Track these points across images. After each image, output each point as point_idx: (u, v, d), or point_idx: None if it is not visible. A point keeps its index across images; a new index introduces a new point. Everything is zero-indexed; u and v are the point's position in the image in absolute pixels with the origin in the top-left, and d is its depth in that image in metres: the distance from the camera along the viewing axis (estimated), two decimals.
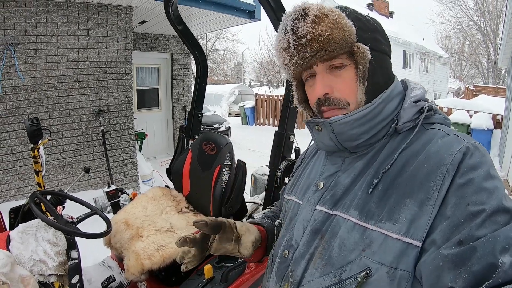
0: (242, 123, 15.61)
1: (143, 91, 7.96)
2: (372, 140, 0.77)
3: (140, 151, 6.64)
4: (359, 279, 0.65)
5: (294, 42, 0.73)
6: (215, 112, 14.08)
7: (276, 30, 1.78)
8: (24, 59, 4.20)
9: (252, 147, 10.50)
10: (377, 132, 0.76)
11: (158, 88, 8.19)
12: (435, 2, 23.34)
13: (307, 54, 0.72)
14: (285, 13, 0.76)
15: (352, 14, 0.77)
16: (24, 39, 4.16)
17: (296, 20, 0.72)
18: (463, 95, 20.93)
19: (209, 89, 21.30)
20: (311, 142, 1.02)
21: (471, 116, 8.24)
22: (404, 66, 22.34)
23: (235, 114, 19.24)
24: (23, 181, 4.34)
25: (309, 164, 0.97)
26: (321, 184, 0.83)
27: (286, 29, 0.75)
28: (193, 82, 2.73)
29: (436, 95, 25.52)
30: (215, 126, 11.56)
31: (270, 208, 1.27)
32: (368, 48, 0.73)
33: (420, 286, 0.61)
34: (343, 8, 0.77)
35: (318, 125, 0.80)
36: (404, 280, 0.62)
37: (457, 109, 8.76)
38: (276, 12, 1.66)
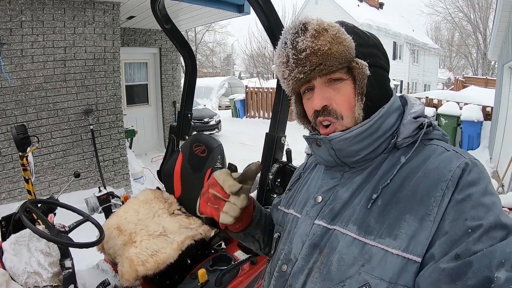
0: (233, 116, 15.56)
1: (132, 87, 7.88)
2: (371, 155, 0.77)
3: (131, 148, 6.60)
4: None
5: (294, 56, 0.73)
6: (205, 105, 14.01)
7: (264, 27, 1.78)
8: (10, 60, 4.12)
9: (243, 140, 10.50)
10: (376, 148, 0.76)
11: (147, 84, 8.12)
12: None
13: (306, 68, 0.73)
14: (284, 28, 0.77)
15: (351, 29, 0.77)
16: (9, 39, 4.07)
17: (296, 34, 0.73)
18: (453, 86, 21.12)
19: (199, 82, 21.09)
20: (309, 156, 1.04)
21: (461, 108, 8.29)
22: (394, 57, 22.46)
23: (225, 107, 19.18)
24: (13, 183, 4.29)
25: (307, 178, 0.97)
26: (320, 198, 0.82)
27: (286, 43, 0.75)
28: (183, 76, 2.71)
29: (426, 86, 25.78)
30: (206, 120, 11.51)
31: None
32: (366, 64, 0.74)
33: None
34: (342, 23, 0.78)
35: (317, 141, 0.80)
36: None
37: (447, 101, 8.81)
38: (264, 9, 1.66)
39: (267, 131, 2.01)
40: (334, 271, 0.70)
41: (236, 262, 1.88)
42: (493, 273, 0.52)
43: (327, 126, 0.78)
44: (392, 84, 16.94)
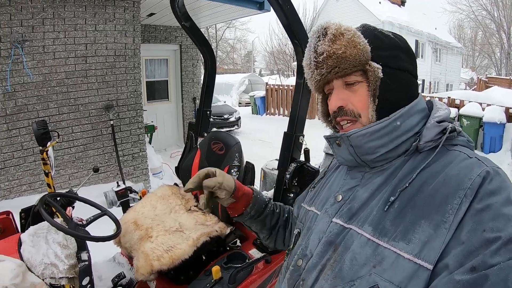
0: (252, 113, 15.59)
1: (152, 83, 8.00)
2: (390, 154, 0.77)
3: (150, 144, 6.68)
4: None
5: (314, 59, 0.79)
6: (225, 102, 14.09)
7: (283, 26, 1.79)
8: (32, 56, 4.21)
9: (262, 137, 10.50)
10: (396, 147, 0.77)
11: (167, 80, 8.22)
12: None
13: (323, 70, 0.78)
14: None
15: (371, 32, 0.80)
16: (31, 36, 4.17)
17: (318, 39, 0.78)
18: (475, 86, 20.61)
19: (219, 78, 21.29)
20: (328, 155, 1.05)
21: (483, 109, 8.07)
22: (416, 56, 22.00)
23: (246, 104, 19.23)
24: (34, 176, 4.39)
25: (331, 177, 0.98)
26: (340, 197, 0.84)
27: (310, 46, 0.81)
28: (204, 72, 2.73)
29: (448, 86, 25.22)
30: (225, 116, 11.56)
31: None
32: (380, 67, 0.76)
33: None
34: (365, 27, 0.82)
35: (337, 140, 0.82)
36: None
37: (469, 102, 8.59)
38: (283, 8, 1.64)
39: (285, 130, 1.98)
40: (346, 270, 0.70)
41: (251, 260, 1.87)
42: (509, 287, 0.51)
43: (345, 126, 0.82)
44: None
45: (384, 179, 0.77)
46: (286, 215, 1.17)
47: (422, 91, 20.16)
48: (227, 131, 11.72)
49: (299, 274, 0.82)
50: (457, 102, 8.97)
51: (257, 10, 5.94)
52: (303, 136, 1.98)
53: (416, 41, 21.87)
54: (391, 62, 0.77)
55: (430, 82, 23.10)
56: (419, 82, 19.44)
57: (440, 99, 9.42)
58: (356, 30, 0.78)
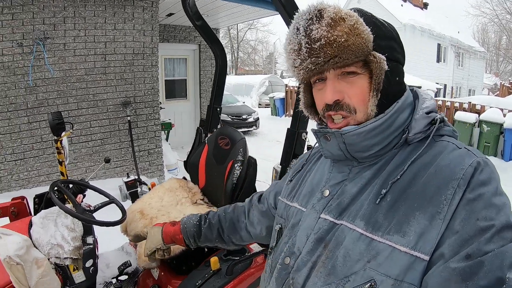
0: (272, 114, 15.58)
1: (171, 82, 8.15)
2: (382, 151, 0.75)
3: (167, 141, 6.80)
4: None
5: (307, 45, 0.69)
6: (244, 102, 14.10)
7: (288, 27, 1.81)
8: (53, 53, 4.40)
9: (280, 139, 10.47)
10: (388, 143, 0.74)
11: (186, 79, 8.35)
12: None
13: (319, 59, 0.68)
14: (297, 11, 0.72)
15: (369, 19, 0.73)
16: (53, 34, 4.35)
17: (310, 21, 0.68)
18: (498, 92, 20.05)
19: (240, 79, 21.37)
20: (312, 147, 1.04)
21: (504, 115, 7.85)
22: (438, 60, 21.68)
23: (265, 105, 19.20)
24: (52, 167, 4.57)
25: (311, 170, 0.95)
26: (327, 192, 0.81)
27: (298, 29, 0.70)
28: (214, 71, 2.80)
29: (471, 91, 24.60)
30: (244, 116, 11.56)
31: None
32: (385, 58, 0.70)
33: None
34: (360, 12, 0.73)
35: (326, 134, 0.78)
36: None
37: (490, 107, 8.39)
38: (286, 8, 1.67)
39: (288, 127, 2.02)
40: (339, 266, 0.69)
41: (250, 254, 1.91)
42: (504, 273, 0.52)
43: (337, 120, 0.76)
44: (434, 87, 16.32)
45: (374, 173, 0.75)
46: (231, 216, 1.23)
47: (444, 96, 19.76)
48: (245, 131, 11.76)
49: (288, 273, 0.80)
50: (478, 107, 8.77)
51: (276, 11, 5.96)
52: (306, 133, 2.01)
53: (438, 45, 21.48)
54: (389, 53, 0.72)
55: (452, 87, 22.61)
56: (440, 87, 19.05)
57: (461, 104, 9.25)
58: (358, 17, 0.69)
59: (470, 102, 9.08)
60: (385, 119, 0.72)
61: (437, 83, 18.20)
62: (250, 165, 2.18)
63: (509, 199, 0.63)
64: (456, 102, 9.65)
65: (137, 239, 1.33)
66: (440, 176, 0.65)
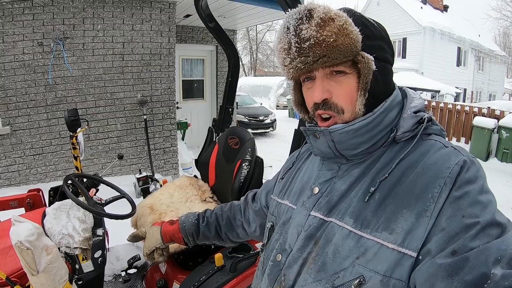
0: (289, 116, 15.58)
1: (188, 82, 8.25)
2: (371, 149, 0.76)
3: (183, 140, 6.88)
4: (353, 287, 0.66)
5: (296, 45, 0.70)
6: (261, 104, 14.12)
7: None
8: (72, 52, 4.55)
9: None
10: (377, 141, 0.75)
11: (203, 80, 8.44)
12: None
13: (308, 59, 0.69)
14: (288, 11, 0.73)
15: (359, 19, 0.74)
16: (72, 34, 4.50)
17: (300, 21, 0.69)
18: None
19: (258, 81, 21.36)
20: (302, 145, 1.06)
21: None
22: (458, 64, 21.22)
23: (283, 106, 19.20)
24: (69, 163, 4.73)
25: (301, 167, 0.97)
26: (316, 190, 0.82)
27: (288, 28, 0.71)
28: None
29: (491, 96, 23.96)
30: (261, 118, 11.59)
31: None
32: (373, 59, 0.71)
33: None
34: (350, 12, 0.74)
35: (315, 133, 0.79)
36: None
37: (510, 113, 8.19)
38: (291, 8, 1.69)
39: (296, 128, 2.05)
40: (329, 263, 0.71)
41: (254, 252, 1.93)
42: (489, 269, 0.54)
43: (326, 119, 0.77)
44: (453, 91, 15.91)
45: (363, 171, 0.76)
46: (227, 214, 1.24)
47: (463, 101, 19.36)
48: (262, 132, 11.76)
49: (280, 269, 0.81)
50: (497, 112, 8.57)
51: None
52: None
53: (458, 48, 21.04)
54: (378, 53, 0.73)
55: (472, 91, 22.11)
56: (460, 91, 18.66)
57: (480, 109, 9.06)
58: (347, 17, 0.70)
59: (489, 107, 8.89)
60: (373, 118, 0.73)
61: (457, 88, 17.82)
62: (257, 165, 2.22)
63: (495, 197, 0.64)
64: (475, 107, 9.46)
65: (135, 239, 1.32)
66: (427, 174, 0.66)
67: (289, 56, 0.72)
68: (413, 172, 0.68)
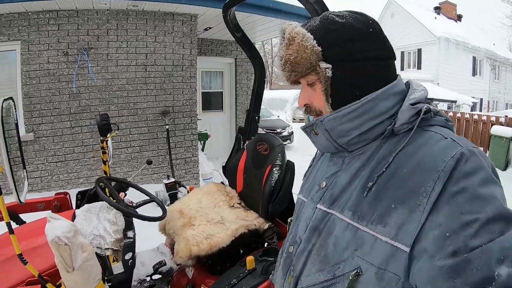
0: None
1: (208, 94, 8.33)
2: (364, 136, 0.77)
3: (203, 151, 6.91)
4: (351, 277, 0.68)
5: (279, 61, 0.82)
6: (278, 116, 14.16)
7: None
8: (96, 62, 4.65)
9: (313, 152, 10.37)
10: (370, 129, 0.76)
11: (222, 92, 8.51)
12: (505, 4, 21.24)
13: (286, 73, 0.82)
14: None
15: (323, 27, 0.76)
16: (96, 44, 4.61)
17: (281, 40, 0.82)
18: None
19: (274, 94, 21.45)
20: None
21: None
22: (474, 73, 20.95)
23: (300, 119, 19.17)
24: (91, 171, 4.78)
25: (317, 165, 1.00)
26: (324, 184, 0.85)
27: (280, 44, 0.83)
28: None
29: (508, 105, 23.44)
30: (278, 130, 11.58)
31: None
32: (329, 66, 0.75)
33: None
34: (321, 19, 0.78)
35: (314, 128, 0.83)
36: (393, 282, 0.63)
37: None
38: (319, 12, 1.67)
39: None
40: (331, 254, 0.74)
41: None
42: (493, 270, 0.51)
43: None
44: (470, 101, 15.61)
45: (362, 163, 0.77)
46: None
47: (480, 110, 18.93)
48: None
49: (291, 260, 0.85)
50: None
51: None
52: None
53: (474, 58, 20.77)
54: (345, 56, 0.74)
55: (488, 101, 21.69)
56: (476, 100, 18.33)
57: (497, 118, 8.84)
58: (305, 33, 0.76)
59: (507, 116, 8.67)
60: (359, 105, 0.74)
61: (473, 97, 17.56)
62: (288, 169, 2.18)
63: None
64: (492, 116, 9.23)
65: None
66: (422, 168, 0.64)
67: (280, 69, 0.85)
68: (408, 165, 0.67)
